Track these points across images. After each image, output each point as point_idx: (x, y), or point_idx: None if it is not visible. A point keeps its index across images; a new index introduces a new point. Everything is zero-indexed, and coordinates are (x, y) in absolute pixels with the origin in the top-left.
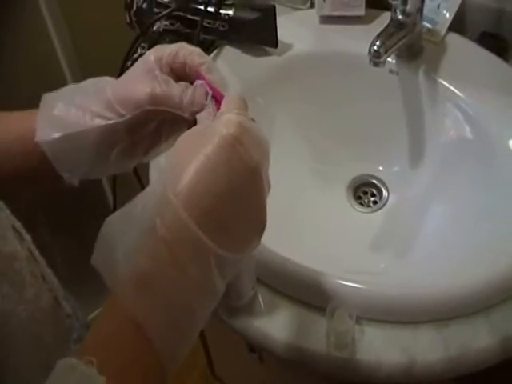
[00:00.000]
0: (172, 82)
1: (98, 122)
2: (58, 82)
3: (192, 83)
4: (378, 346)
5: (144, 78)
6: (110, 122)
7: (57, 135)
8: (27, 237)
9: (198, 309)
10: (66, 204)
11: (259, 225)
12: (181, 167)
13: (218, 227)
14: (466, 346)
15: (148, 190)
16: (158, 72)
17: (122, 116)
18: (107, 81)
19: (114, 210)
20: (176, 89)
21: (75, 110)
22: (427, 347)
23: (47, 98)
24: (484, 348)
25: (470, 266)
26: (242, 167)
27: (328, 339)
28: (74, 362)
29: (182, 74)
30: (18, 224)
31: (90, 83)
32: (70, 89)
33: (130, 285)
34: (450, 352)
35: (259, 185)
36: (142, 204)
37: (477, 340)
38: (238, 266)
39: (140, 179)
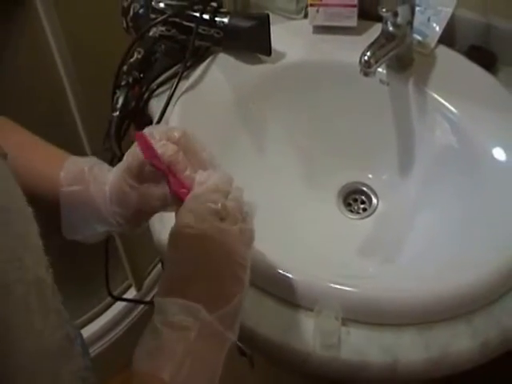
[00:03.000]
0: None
1: (106, 226)
2: (54, 86)
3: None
4: (363, 347)
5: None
6: (117, 229)
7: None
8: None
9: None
10: None
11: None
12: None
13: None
14: (447, 349)
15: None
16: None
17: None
18: (104, 183)
19: None
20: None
21: (89, 210)
22: (410, 348)
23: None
24: (464, 351)
25: (454, 271)
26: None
27: (314, 339)
28: None
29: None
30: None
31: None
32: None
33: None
34: (431, 354)
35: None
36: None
37: (458, 343)
38: None
39: None
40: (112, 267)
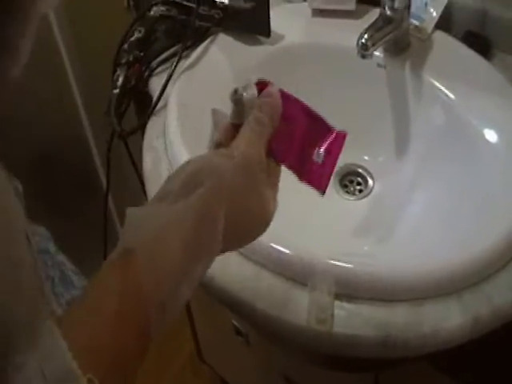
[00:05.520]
0: None
1: None
2: (54, 64)
3: None
4: (356, 322)
5: None
6: None
7: None
8: (34, 246)
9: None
10: (60, 187)
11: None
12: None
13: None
14: (438, 325)
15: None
16: None
17: None
18: None
19: (107, 192)
20: None
21: None
22: (402, 324)
23: None
24: (455, 327)
25: (446, 249)
26: None
27: (308, 313)
28: (76, 370)
29: None
30: (29, 229)
31: None
32: None
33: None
34: (423, 329)
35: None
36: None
37: (449, 319)
38: None
39: (134, 163)
40: (108, 242)
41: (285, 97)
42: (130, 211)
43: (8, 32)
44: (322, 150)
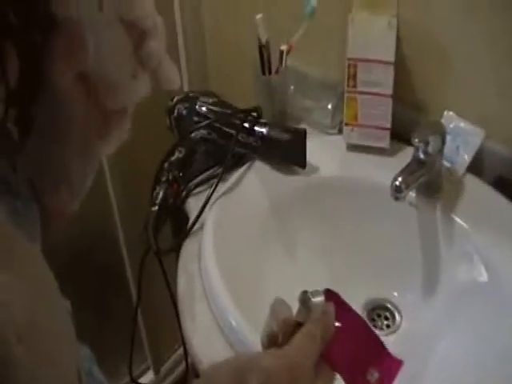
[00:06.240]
0: None
1: None
2: (95, 178)
3: None
4: None
5: None
6: None
7: None
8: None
9: None
10: (91, 297)
11: None
12: None
13: None
14: None
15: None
16: None
17: None
18: None
19: (137, 306)
20: None
21: None
22: None
23: None
24: None
25: None
26: None
27: None
28: None
29: None
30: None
31: None
32: None
33: None
34: None
35: None
36: None
37: None
38: None
39: (168, 280)
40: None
41: (346, 309)
42: None
43: (70, 167)
44: (376, 371)
